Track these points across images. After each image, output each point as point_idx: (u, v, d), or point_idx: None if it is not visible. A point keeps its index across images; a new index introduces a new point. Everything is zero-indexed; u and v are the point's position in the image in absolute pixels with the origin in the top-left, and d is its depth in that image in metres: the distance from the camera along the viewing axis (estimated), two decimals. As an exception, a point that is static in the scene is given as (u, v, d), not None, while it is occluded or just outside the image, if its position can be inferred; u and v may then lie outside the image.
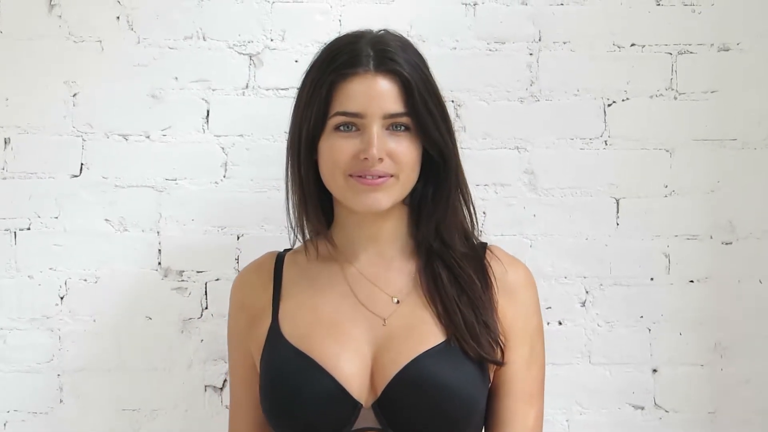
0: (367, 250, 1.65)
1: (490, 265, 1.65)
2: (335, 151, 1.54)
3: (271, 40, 2.11)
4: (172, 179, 2.09)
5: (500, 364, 1.59)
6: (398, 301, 1.61)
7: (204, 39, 2.10)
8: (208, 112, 2.10)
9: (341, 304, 1.61)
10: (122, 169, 2.08)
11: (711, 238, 2.14)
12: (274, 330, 1.59)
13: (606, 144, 2.13)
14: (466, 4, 2.12)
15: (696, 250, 2.13)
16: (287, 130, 2.03)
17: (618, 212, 2.13)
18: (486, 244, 1.72)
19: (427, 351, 1.53)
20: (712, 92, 2.14)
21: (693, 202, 2.13)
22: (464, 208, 1.66)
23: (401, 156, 1.54)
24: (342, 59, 1.56)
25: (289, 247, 1.75)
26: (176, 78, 2.09)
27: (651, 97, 2.14)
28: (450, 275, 1.61)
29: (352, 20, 2.09)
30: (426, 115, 1.55)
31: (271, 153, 2.09)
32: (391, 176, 1.55)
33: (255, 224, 2.09)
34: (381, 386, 1.52)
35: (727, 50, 2.14)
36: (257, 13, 2.10)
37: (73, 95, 2.08)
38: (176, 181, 2.09)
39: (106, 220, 2.08)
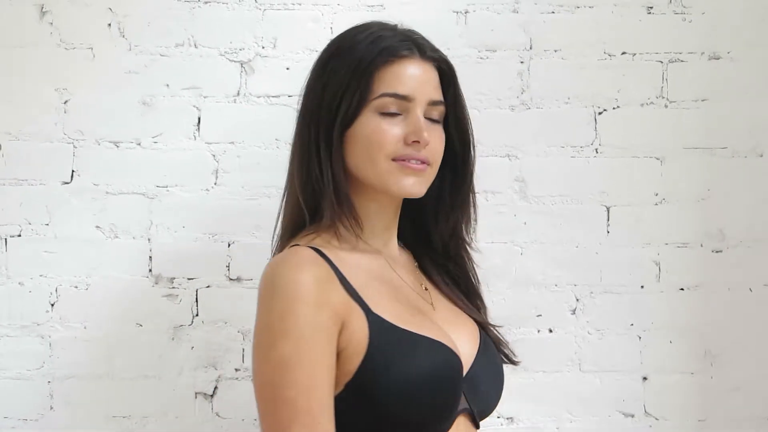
0: (391, 240, 1.64)
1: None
2: (381, 134, 1.51)
3: (263, 47, 2.11)
4: (163, 186, 2.09)
5: (515, 363, 1.69)
6: (426, 288, 1.63)
7: (195, 46, 2.10)
8: (199, 119, 2.10)
9: (404, 290, 1.58)
10: (113, 176, 2.08)
11: (701, 246, 2.14)
12: (376, 319, 1.48)
13: (596, 152, 2.14)
14: (457, 12, 2.13)
15: (686, 258, 2.14)
16: (278, 137, 2.09)
17: (608, 220, 2.14)
18: None
19: (481, 337, 1.59)
20: (702, 100, 2.15)
21: (683, 210, 2.14)
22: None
23: (436, 146, 1.55)
24: (387, 43, 1.53)
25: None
26: (167, 85, 2.09)
27: (642, 105, 2.14)
28: (455, 268, 1.68)
29: (343, 27, 2.07)
30: (460, 106, 1.59)
31: (262, 160, 2.09)
32: (430, 165, 1.54)
33: (246, 232, 2.09)
34: (465, 368, 1.52)
35: (718, 59, 2.15)
36: (249, 21, 2.10)
37: (65, 102, 2.08)
38: (167, 189, 2.09)
39: (97, 227, 2.08)
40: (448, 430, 1.47)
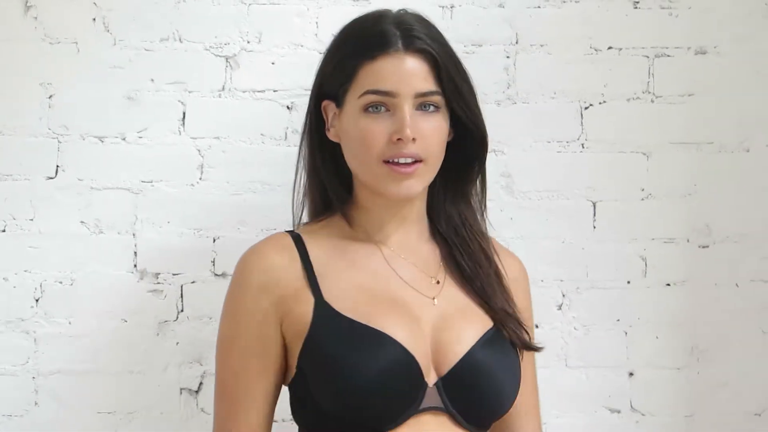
0: (397, 231, 1.61)
1: (497, 254, 1.66)
2: (368, 135, 1.51)
3: (248, 42, 2.10)
4: (148, 181, 2.08)
5: (538, 349, 1.65)
6: (438, 282, 1.60)
7: (180, 41, 2.09)
8: (184, 114, 2.09)
9: (388, 282, 1.56)
10: (98, 171, 2.07)
11: (688, 241, 2.14)
12: (323, 306, 1.51)
13: (583, 147, 2.13)
14: (443, 7, 2.12)
15: (673, 254, 2.14)
16: (264, 132, 2.09)
17: (595, 215, 2.14)
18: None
19: (485, 335, 1.54)
20: (688, 95, 2.14)
21: (670, 206, 2.14)
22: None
23: (431, 137, 1.52)
24: (368, 40, 1.54)
25: (291, 228, 1.68)
26: (152, 80, 2.08)
27: (628, 100, 2.14)
28: (475, 260, 1.62)
29: (329, 22, 2.09)
30: (457, 92, 1.54)
31: (248, 155, 2.09)
32: (421, 162, 1.52)
33: (231, 227, 2.08)
34: (446, 366, 1.49)
35: (704, 53, 2.15)
36: (234, 15, 2.10)
37: (49, 97, 2.07)
38: (152, 184, 2.08)
39: (82, 222, 2.07)
40: (399, 428, 1.45)
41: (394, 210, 1.60)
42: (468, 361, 1.51)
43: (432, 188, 1.64)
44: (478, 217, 1.68)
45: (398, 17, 1.58)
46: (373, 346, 1.46)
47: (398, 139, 1.49)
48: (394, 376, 1.45)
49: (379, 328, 1.48)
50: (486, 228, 1.70)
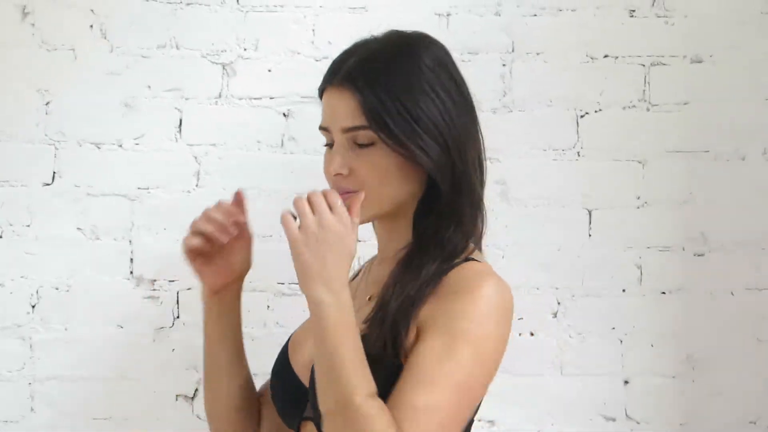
0: (380, 247, 1.59)
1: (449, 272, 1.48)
2: (324, 169, 1.50)
3: (245, 49, 2.11)
4: (145, 188, 2.09)
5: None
6: (370, 298, 1.55)
7: (177, 48, 2.10)
8: (181, 120, 2.10)
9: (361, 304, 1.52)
10: (95, 177, 2.08)
11: (683, 249, 2.14)
12: None
13: (579, 155, 2.14)
14: (439, 15, 2.13)
15: (668, 262, 2.14)
16: (260, 139, 2.09)
17: (590, 223, 2.14)
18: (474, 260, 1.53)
19: None
20: (684, 104, 2.14)
21: (665, 214, 2.14)
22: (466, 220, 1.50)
23: (365, 173, 1.44)
24: (327, 70, 1.50)
25: None
26: (149, 87, 2.09)
27: (624, 108, 2.14)
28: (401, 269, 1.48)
29: (325, 30, 2.10)
30: (386, 128, 1.41)
31: (244, 162, 2.09)
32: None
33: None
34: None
35: (700, 62, 2.15)
36: (231, 23, 2.10)
37: (46, 103, 2.08)
38: (149, 190, 2.09)
39: (78, 228, 2.08)
40: None
41: (377, 230, 1.59)
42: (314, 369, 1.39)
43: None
44: (448, 232, 1.49)
45: (353, 46, 1.51)
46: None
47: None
48: (273, 379, 1.59)
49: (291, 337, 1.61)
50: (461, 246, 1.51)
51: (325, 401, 1.31)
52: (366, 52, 1.48)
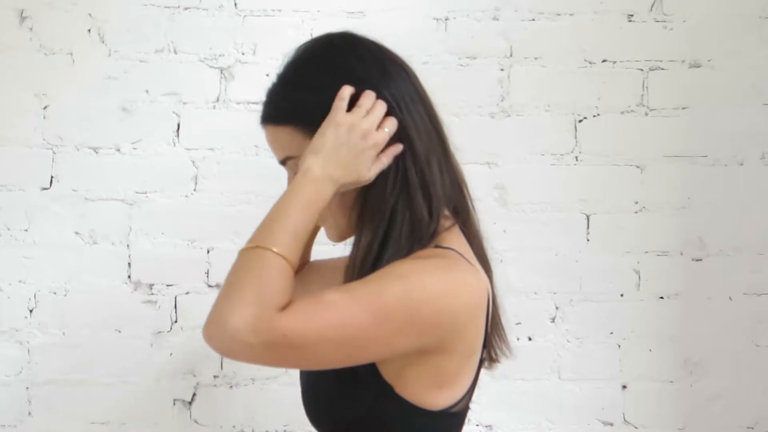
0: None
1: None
2: None
3: (243, 53, 2.11)
4: (143, 192, 2.09)
5: None
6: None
7: (175, 52, 2.10)
8: (178, 125, 2.10)
9: None
10: (92, 181, 2.08)
11: (681, 254, 2.14)
12: None
13: (577, 160, 2.13)
14: (437, 19, 2.12)
15: (666, 267, 2.14)
16: (258, 143, 2.09)
17: (588, 228, 2.14)
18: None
19: None
20: (683, 108, 2.14)
21: (663, 219, 2.14)
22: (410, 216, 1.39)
23: None
24: None
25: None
26: (147, 91, 2.09)
27: (622, 113, 2.14)
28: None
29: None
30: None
31: (242, 167, 2.09)
32: None
33: (225, 238, 2.08)
34: None
35: (698, 67, 2.15)
36: (229, 27, 2.10)
37: (44, 108, 2.07)
38: (146, 195, 2.09)
39: (76, 233, 2.08)
40: None
41: None
42: None
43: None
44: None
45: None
46: None
47: None
48: None
49: None
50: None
51: (253, 238, 1.29)
52: (275, 81, 1.42)
